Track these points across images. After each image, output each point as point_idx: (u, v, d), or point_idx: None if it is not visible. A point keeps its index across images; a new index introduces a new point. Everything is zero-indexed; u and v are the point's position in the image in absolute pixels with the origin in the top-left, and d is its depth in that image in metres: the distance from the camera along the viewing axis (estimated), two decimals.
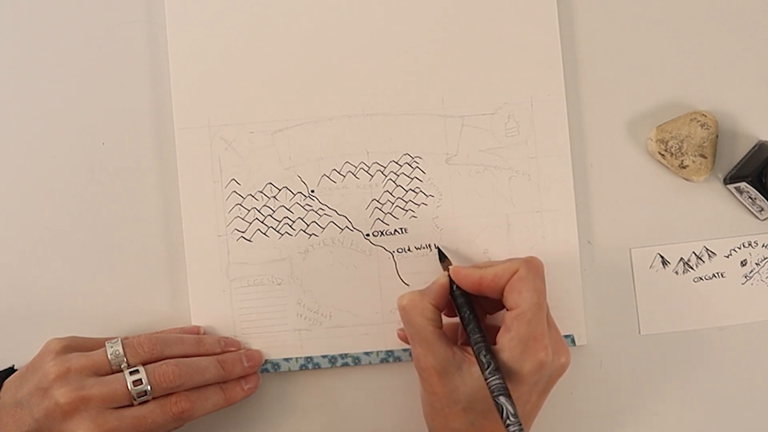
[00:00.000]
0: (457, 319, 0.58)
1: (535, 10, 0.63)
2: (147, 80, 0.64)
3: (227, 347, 0.61)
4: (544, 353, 0.53)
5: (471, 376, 0.54)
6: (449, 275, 0.57)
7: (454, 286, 0.57)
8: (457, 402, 0.54)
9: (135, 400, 0.55)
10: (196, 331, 0.62)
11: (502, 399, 0.51)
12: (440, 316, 0.56)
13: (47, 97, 0.63)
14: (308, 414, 0.63)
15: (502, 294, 0.55)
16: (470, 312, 0.56)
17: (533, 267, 0.55)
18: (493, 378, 0.51)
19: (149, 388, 0.55)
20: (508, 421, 0.50)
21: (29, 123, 0.63)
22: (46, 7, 0.64)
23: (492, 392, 0.51)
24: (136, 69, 0.64)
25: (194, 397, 0.57)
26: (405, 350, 0.62)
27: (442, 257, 0.62)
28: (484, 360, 0.52)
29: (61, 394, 0.54)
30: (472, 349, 0.54)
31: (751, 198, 0.61)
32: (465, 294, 0.57)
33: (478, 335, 0.54)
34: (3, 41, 0.64)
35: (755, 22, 0.64)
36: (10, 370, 0.58)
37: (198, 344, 0.60)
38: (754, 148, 0.62)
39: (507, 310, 0.54)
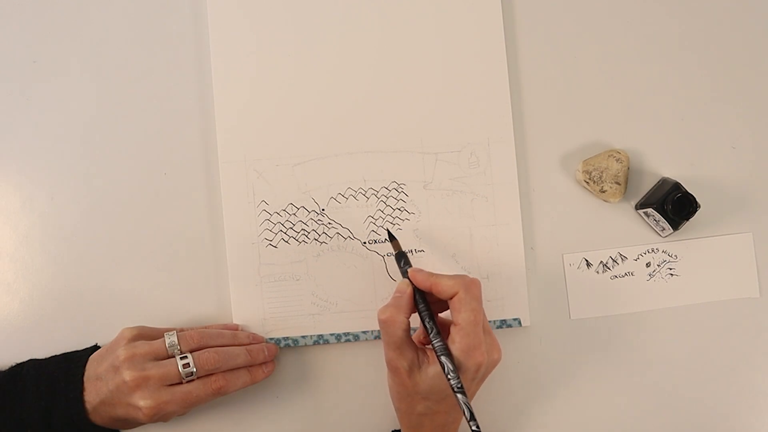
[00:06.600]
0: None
1: (491, 75, 0.66)
2: (198, 127, 0.67)
3: (254, 341, 0.64)
4: (481, 357, 0.56)
5: (428, 374, 0.57)
6: (409, 278, 0.59)
7: (417, 296, 0.58)
8: (419, 392, 0.58)
9: (184, 379, 0.59)
10: (234, 327, 0.65)
11: (459, 396, 0.54)
12: (410, 325, 0.58)
13: (127, 140, 0.67)
14: (320, 378, 0.66)
15: (448, 301, 0.57)
16: (432, 321, 0.57)
17: (470, 290, 0.56)
18: (453, 378, 0.55)
19: (195, 370, 0.59)
20: (469, 419, 0.53)
21: (115, 159, 0.67)
22: (121, 68, 0.67)
23: (452, 389, 0.54)
24: (190, 120, 0.67)
25: (228, 377, 0.60)
26: None
27: (392, 237, 0.63)
28: (446, 363, 0.55)
29: (128, 374, 0.58)
30: (435, 353, 0.56)
31: (655, 220, 0.65)
32: (428, 307, 0.58)
33: (439, 343, 0.56)
34: (98, 106, 0.67)
35: (662, 86, 0.67)
36: (95, 348, 0.64)
37: (233, 338, 0.63)
38: (658, 182, 0.66)
39: (453, 323, 0.57)
